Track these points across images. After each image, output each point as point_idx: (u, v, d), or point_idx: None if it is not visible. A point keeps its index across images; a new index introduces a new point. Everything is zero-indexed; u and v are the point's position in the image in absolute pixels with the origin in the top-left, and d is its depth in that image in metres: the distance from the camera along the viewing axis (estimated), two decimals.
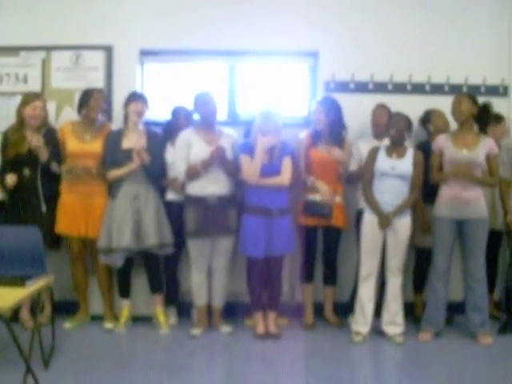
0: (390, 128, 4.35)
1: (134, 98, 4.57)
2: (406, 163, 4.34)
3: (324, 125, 4.60)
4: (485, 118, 4.46)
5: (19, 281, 3.16)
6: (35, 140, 4.36)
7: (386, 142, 4.50)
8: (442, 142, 4.39)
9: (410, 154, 4.38)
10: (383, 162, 4.35)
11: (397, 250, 4.37)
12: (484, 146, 4.31)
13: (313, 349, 4.33)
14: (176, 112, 4.77)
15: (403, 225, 4.35)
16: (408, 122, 4.40)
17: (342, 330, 4.63)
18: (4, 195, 4.59)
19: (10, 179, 4.39)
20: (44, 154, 4.40)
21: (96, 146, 4.56)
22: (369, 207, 4.39)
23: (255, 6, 4.99)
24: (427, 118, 4.82)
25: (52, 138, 4.57)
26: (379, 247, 4.39)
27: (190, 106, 4.71)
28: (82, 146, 4.55)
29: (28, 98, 4.55)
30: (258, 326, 4.49)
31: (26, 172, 4.49)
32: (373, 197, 4.36)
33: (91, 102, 4.56)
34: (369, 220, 4.38)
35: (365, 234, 4.40)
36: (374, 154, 4.40)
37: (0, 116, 4.82)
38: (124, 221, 4.43)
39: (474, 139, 4.35)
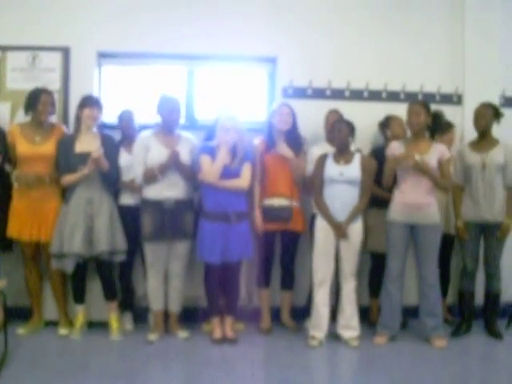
0: (335, 135, 4.41)
1: (89, 103, 4.50)
2: (353, 168, 4.39)
3: (288, 128, 4.61)
4: (435, 126, 4.56)
5: None
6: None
7: (323, 147, 4.56)
8: (395, 148, 4.46)
9: (357, 159, 4.44)
10: (331, 168, 4.40)
11: (349, 255, 4.42)
12: (436, 152, 4.40)
13: (270, 353, 4.35)
14: (121, 116, 4.75)
15: (354, 230, 4.40)
16: (350, 128, 4.45)
17: (299, 335, 4.65)
18: None
19: None
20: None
21: (47, 148, 4.48)
22: (321, 215, 4.43)
23: (215, 10, 5.00)
24: (386, 123, 4.89)
25: (2, 139, 4.48)
26: (332, 252, 4.43)
27: (144, 109, 4.69)
28: (32, 149, 4.46)
29: None
30: (215, 331, 4.48)
31: None
32: (324, 204, 4.41)
33: (39, 107, 4.47)
34: (321, 226, 4.43)
35: (318, 240, 4.44)
36: (322, 161, 4.45)
37: None
38: (76, 226, 4.37)
39: (427, 146, 4.44)
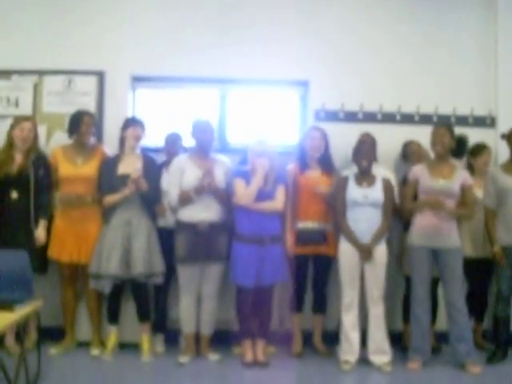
0: (361, 158, 4.41)
1: (133, 122, 4.60)
2: (376, 191, 4.40)
3: (321, 152, 4.63)
4: (461, 150, 4.54)
5: (7, 305, 3.12)
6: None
7: (354, 170, 4.55)
8: (418, 171, 4.46)
9: (379, 181, 4.44)
10: (354, 191, 4.39)
11: (375, 278, 4.39)
12: (459, 177, 4.39)
13: (301, 377, 4.31)
14: (167, 138, 4.79)
15: (379, 252, 4.38)
16: (374, 151, 4.47)
17: (330, 359, 4.60)
18: None
19: None
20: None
21: (89, 169, 4.56)
22: (345, 238, 4.41)
23: (247, 34, 5.07)
24: (405, 150, 4.91)
25: (43, 163, 4.56)
26: (358, 275, 4.40)
27: (182, 132, 4.74)
28: (74, 170, 4.54)
29: (17, 120, 4.56)
30: (247, 354, 4.45)
31: (14, 195, 4.46)
32: (348, 227, 4.39)
33: (82, 128, 4.57)
34: (345, 249, 4.40)
35: (342, 263, 4.42)
36: (343, 183, 4.45)
37: None
38: (113, 247, 4.41)
39: (450, 170, 4.42)
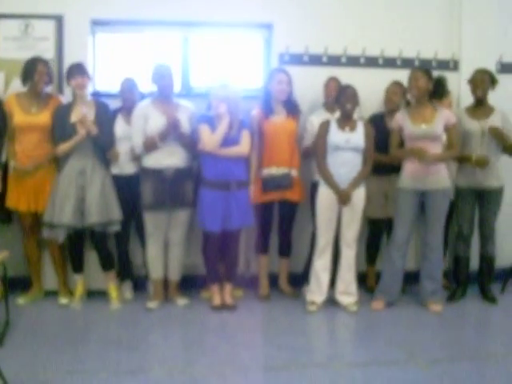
0: (345, 101, 4.38)
1: (72, 72, 4.45)
2: (358, 136, 4.40)
3: (287, 95, 4.60)
4: (439, 92, 4.53)
5: None
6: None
7: (337, 115, 4.54)
8: (400, 118, 4.48)
9: (360, 126, 4.44)
10: (336, 135, 4.38)
11: (352, 222, 4.45)
12: (441, 119, 4.40)
13: (269, 319, 4.41)
14: (122, 84, 4.68)
15: (358, 197, 4.41)
16: (357, 96, 4.44)
17: (296, 301, 4.70)
18: None
19: None
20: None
21: (42, 117, 4.45)
22: (324, 182, 4.43)
23: None
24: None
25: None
26: (335, 219, 4.45)
27: (138, 77, 4.67)
28: (28, 119, 4.43)
29: None
30: (215, 298, 4.52)
31: None
32: (328, 171, 4.40)
33: (36, 76, 4.43)
34: (324, 193, 4.43)
35: (320, 207, 4.45)
36: (325, 127, 4.43)
37: None
38: (67, 197, 4.36)
39: (431, 113, 4.44)
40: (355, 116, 4.49)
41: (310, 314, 4.44)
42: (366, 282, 4.99)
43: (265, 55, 5.20)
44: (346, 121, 4.43)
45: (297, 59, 5.01)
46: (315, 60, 5.04)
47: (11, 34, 4.85)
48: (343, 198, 4.35)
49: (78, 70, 4.46)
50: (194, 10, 4.92)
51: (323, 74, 4.88)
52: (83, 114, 4.33)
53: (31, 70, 4.44)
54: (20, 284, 4.68)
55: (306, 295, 4.59)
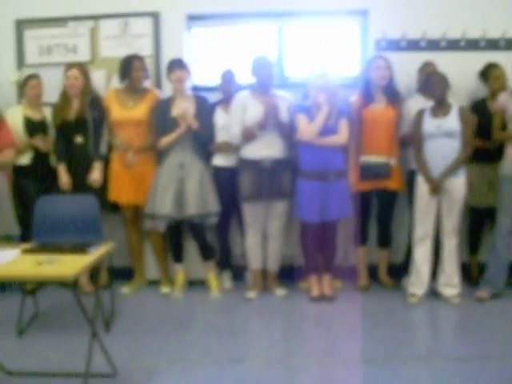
0: (435, 87, 4.24)
1: (172, 67, 4.55)
2: (451, 120, 4.24)
3: (387, 81, 4.50)
4: None
5: (81, 248, 3.22)
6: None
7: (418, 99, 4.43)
8: (504, 99, 4.27)
9: (454, 110, 4.27)
10: (428, 122, 4.26)
11: (451, 211, 4.30)
12: None
13: (368, 311, 4.33)
14: (223, 76, 4.75)
15: (457, 185, 4.26)
16: (447, 80, 4.27)
17: (396, 292, 4.61)
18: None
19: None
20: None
21: (138, 112, 4.59)
22: (420, 172, 4.32)
23: None
24: (486, 73, 4.67)
25: (97, 105, 4.62)
26: (434, 208, 4.32)
27: (237, 69, 4.70)
28: (124, 113, 4.59)
29: (65, 68, 4.61)
30: (313, 289, 4.51)
31: (78, 139, 4.58)
32: (423, 160, 4.28)
33: (133, 73, 4.58)
34: (421, 182, 4.31)
35: (419, 195, 4.33)
36: (419, 116, 4.32)
37: (52, 87, 4.83)
38: (167, 189, 4.46)
39: None
40: (449, 100, 4.33)
41: (410, 306, 4.35)
42: (469, 273, 4.81)
43: (361, 42, 5.09)
44: (440, 106, 4.28)
45: (394, 45, 4.87)
46: (413, 45, 4.87)
47: (111, 33, 5.03)
48: (434, 188, 4.22)
49: (178, 64, 4.55)
50: (289, 0, 4.89)
51: (421, 59, 4.73)
52: (184, 109, 4.42)
53: (128, 67, 4.59)
54: (124, 274, 4.86)
55: (406, 287, 4.49)
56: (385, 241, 4.76)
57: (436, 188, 4.22)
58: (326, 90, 4.28)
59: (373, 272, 4.81)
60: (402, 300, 4.44)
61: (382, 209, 4.70)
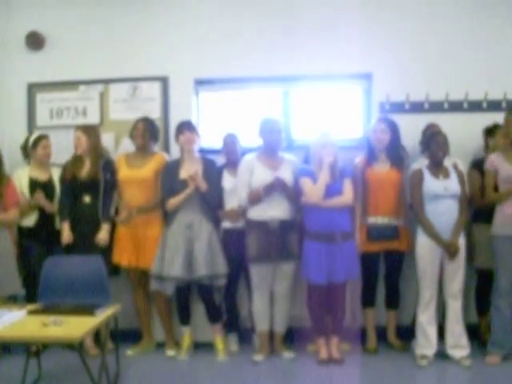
0: (437, 149, 4.31)
1: (181, 129, 4.62)
2: (454, 182, 4.31)
3: (386, 144, 4.56)
4: None
5: (88, 310, 3.21)
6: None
7: (423, 162, 4.46)
8: (495, 160, 4.33)
9: (452, 172, 4.35)
10: (433, 183, 4.29)
11: (456, 273, 4.30)
12: None
13: (377, 373, 4.26)
14: (225, 139, 4.82)
15: (460, 246, 4.27)
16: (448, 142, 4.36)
17: (405, 354, 4.53)
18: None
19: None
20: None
21: (144, 171, 4.65)
22: (425, 233, 4.31)
23: (307, 31, 5.02)
24: (492, 131, 4.72)
25: (110, 168, 4.70)
26: (437, 271, 4.31)
27: (239, 132, 4.81)
28: (130, 172, 4.66)
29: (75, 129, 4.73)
30: (321, 352, 4.44)
31: (87, 199, 4.62)
32: (429, 221, 4.28)
33: (133, 132, 4.71)
34: (424, 243, 4.31)
35: (422, 258, 4.33)
36: (418, 176, 4.35)
37: (61, 148, 4.92)
38: (176, 250, 4.47)
39: None
40: (445, 162, 4.39)
41: (420, 368, 4.27)
42: (479, 335, 4.74)
43: (365, 105, 5.20)
44: (438, 168, 4.34)
45: (398, 107, 4.97)
46: (416, 107, 4.97)
47: (120, 97, 5.17)
48: (452, 250, 4.22)
49: (188, 126, 4.64)
50: (294, 64, 5.02)
51: (424, 121, 4.81)
52: (195, 171, 4.46)
53: (132, 128, 4.71)
54: (131, 336, 4.80)
55: (415, 348, 4.43)
56: (393, 302, 4.72)
57: (454, 251, 4.22)
58: (328, 146, 4.31)
59: (381, 334, 4.74)
60: (411, 362, 4.36)
61: (390, 270, 4.68)
